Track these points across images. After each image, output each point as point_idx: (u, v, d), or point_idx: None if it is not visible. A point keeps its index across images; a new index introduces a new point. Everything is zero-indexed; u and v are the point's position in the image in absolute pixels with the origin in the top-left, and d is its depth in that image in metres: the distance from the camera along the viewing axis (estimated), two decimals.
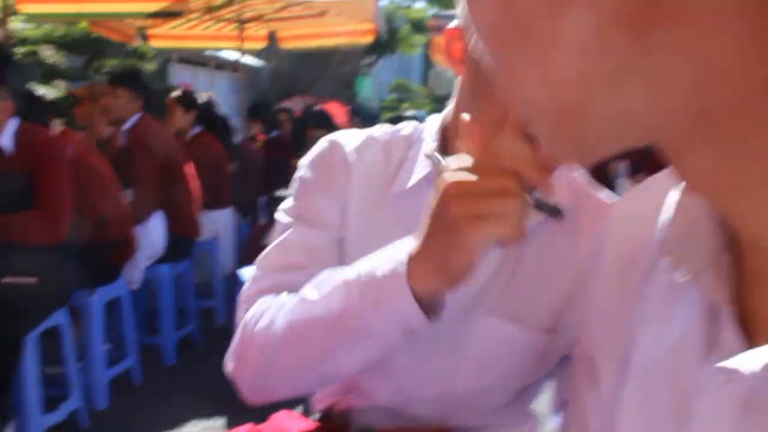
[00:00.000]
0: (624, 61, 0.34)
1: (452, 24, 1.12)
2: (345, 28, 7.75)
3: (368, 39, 7.81)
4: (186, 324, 4.54)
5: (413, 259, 0.90)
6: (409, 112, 8.06)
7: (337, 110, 8.41)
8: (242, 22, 6.87)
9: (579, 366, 0.64)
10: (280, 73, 17.90)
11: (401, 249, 0.93)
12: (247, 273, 3.90)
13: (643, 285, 0.55)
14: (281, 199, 4.34)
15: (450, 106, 1.18)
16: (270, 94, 16.42)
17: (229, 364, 1.10)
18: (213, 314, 4.96)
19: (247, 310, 1.10)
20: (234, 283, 4.51)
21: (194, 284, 4.65)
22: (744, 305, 0.43)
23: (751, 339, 0.42)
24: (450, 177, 0.85)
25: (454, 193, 0.84)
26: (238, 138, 5.61)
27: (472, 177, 0.84)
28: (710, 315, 0.45)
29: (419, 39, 26.05)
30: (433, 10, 26.32)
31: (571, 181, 1.15)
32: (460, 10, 1.04)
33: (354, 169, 1.17)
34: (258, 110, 7.11)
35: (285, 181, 4.90)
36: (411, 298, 0.90)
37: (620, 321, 0.57)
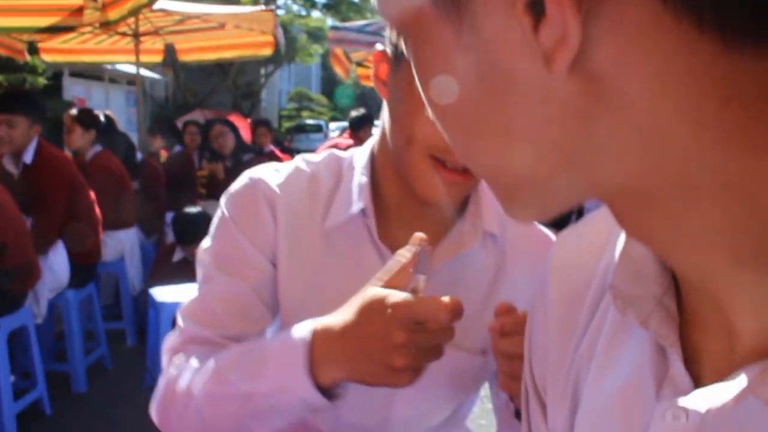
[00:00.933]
0: (573, 148, 0.39)
1: (379, 47, 1.12)
2: (244, 41, 7.70)
3: (267, 51, 7.78)
4: (95, 348, 4.41)
5: (325, 345, 0.89)
6: (310, 121, 8.06)
7: (239, 122, 8.32)
8: (138, 35, 6.73)
9: (531, 396, 0.66)
10: (178, 85, 17.56)
11: (306, 329, 0.92)
12: (159, 293, 3.83)
13: (589, 320, 0.57)
14: (188, 216, 4.24)
15: (377, 135, 1.16)
16: (167, 107, 16.10)
17: (154, 413, 1.09)
18: (123, 336, 4.84)
19: (169, 360, 1.08)
20: (144, 303, 4.42)
21: (101, 306, 4.53)
22: (690, 344, 0.46)
23: (698, 377, 0.45)
24: (397, 300, 0.85)
25: (399, 323, 0.84)
26: (138, 155, 5.48)
27: (417, 312, 0.85)
28: (658, 354, 0.48)
29: (317, 48, 26.07)
30: (330, 20, 26.37)
31: (498, 207, 1.17)
32: (389, 33, 1.07)
33: (279, 206, 1.12)
34: (161, 124, 6.98)
35: (191, 197, 4.81)
36: (312, 387, 0.89)
37: (565, 356, 0.59)
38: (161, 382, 1.07)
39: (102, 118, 4.94)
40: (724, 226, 0.38)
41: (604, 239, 0.58)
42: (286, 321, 1.10)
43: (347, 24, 8.17)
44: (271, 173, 1.16)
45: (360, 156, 1.17)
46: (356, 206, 1.10)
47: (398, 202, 1.13)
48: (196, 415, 1.00)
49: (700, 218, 0.38)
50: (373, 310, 0.86)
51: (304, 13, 27.67)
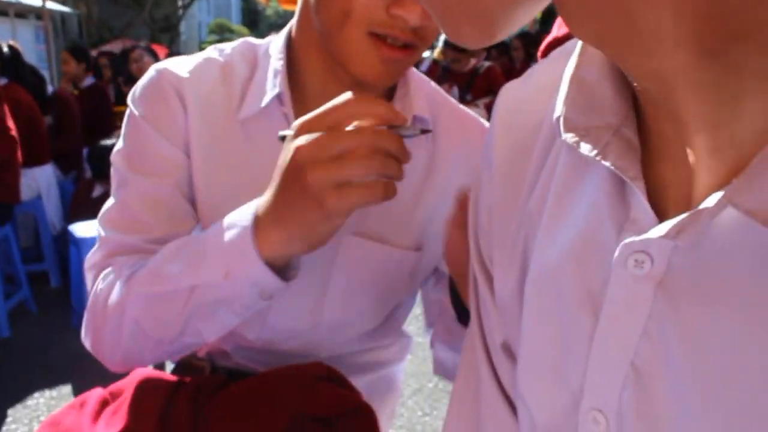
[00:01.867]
0: None
1: None
2: None
3: None
4: (16, 292, 4.22)
5: (264, 223, 0.83)
6: None
7: (160, 51, 7.99)
8: None
9: (478, 272, 0.59)
10: (91, 19, 16.84)
11: (246, 212, 0.86)
12: (79, 229, 3.68)
13: (538, 172, 0.50)
14: (105, 149, 4.08)
15: (294, 19, 1.06)
16: (82, 42, 15.46)
17: (85, 338, 1.00)
18: (46, 278, 4.65)
19: (95, 278, 1.00)
20: (65, 243, 4.23)
21: (20, 249, 4.31)
22: (652, 181, 0.39)
23: (662, 215, 0.38)
24: (301, 141, 0.78)
25: (308, 159, 0.76)
26: (49, 88, 5.18)
27: (325, 141, 0.76)
28: (617, 194, 0.41)
29: None
30: None
31: (428, 92, 1.09)
32: None
33: (188, 95, 1.02)
34: (81, 52, 6.48)
35: (108, 130, 4.62)
36: (262, 265, 0.84)
37: (512, 216, 0.53)
38: (89, 303, 0.99)
39: (5, 49, 4.62)
40: (685, 11, 0.30)
41: (552, 82, 0.51)
42: (204, 219, 1.03)
43: None
44: (177, 62, 1.06)
45: (276, 41, 1.07)
46: (271, 93, 1.01)
47: (321, 88, 1.03)
48: (134, 328, 0.92)
49: (661, 6, 0.31)
50: (286, 163, 0.79)
51: None
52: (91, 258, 1.02)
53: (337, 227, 0.81)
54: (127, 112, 1.04)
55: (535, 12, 0.40)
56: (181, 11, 23.86)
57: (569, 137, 0.42)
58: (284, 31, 1.07)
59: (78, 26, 18.04)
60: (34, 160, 4.42)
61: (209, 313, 0.89)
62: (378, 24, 0.90)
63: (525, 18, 0.40)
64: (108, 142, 4.55)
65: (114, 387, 1.03)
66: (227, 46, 1.09)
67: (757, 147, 0.31)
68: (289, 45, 1.05)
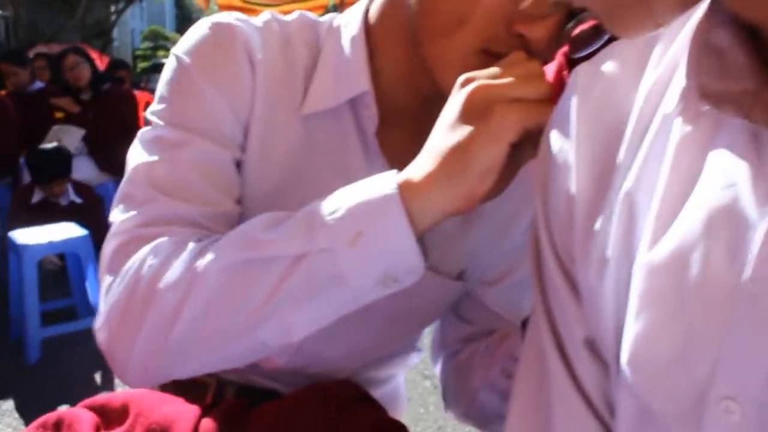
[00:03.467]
0: None
1: None
2: None
3: None
4: None
5: (409, 182, 0.70)
6: (166, 60, 7.70)
7: (92, 54, 7.78)
8: None
9: (553, 266, 0.55)
10: (20, 22, 16.36)
11: (383, 177, 0.72)
12: (20, 236, 3.54)
13: (635, 153, 0.47)
14: (45, 153, 3.93)
15: (376, 4, 0.90)
16: (8, 45, 14.99)
17: (103, 332, 0.77)
18: None
19: (125, 253, 0.77)
20: (3, 250, 4.07)
21: None
22: None
23: None
24: (476, 82, 0.71)
25: (483, 86, 0.70)
26: None
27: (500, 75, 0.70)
28: (758, 162, 0.38)
29: None
30: None
31: None
32: None
33: (260, 66, 0.85)
34: (20, 57, 6.19)
35: (44, 135, 4.44)
36: (407, 226, 0.68)
37: (604, 202, 0.49)
38: (116, 287, 0.76)
39: None
40: None
41: (637, 62, 0.49)
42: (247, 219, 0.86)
43: None
44: (243, 20, 0.88)
45: (349, 25, 0.91)
46: (346, 92, 0.86)
47: (402, 92, 0.90)
48: (199, 313, 0.71)
49: None
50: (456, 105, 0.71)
51: None
52: (123, 222, 0.79)
53: (496, 166, 0.68)
54: (172, 64, 0.86)
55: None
56: (113, 17, 23.41)
57: (710, 101, 0.40)
58: (358, 15, 0.91)
59: (5, 30, 17.51)
60: None
61: (311, 295, 0.71)
62: (495, 41, 0.78)
63: (688, 5, 0.38)
64: (47, 146, 4.41)
65: (98, 407, 0.85)
66: (285, 18, 0.92)
67: None
68: (367, 31, 0.90)
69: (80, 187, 4.58)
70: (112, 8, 23.10)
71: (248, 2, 8.13)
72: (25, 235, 3.57)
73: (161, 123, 0.83)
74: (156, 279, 0.73)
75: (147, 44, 32.70)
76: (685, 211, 0.42)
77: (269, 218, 0.75)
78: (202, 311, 0.71)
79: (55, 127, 5.05)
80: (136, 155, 0.83)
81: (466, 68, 0.78)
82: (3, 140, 4.89)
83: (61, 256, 4.18)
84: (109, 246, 0.79)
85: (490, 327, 1.01)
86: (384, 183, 0.70)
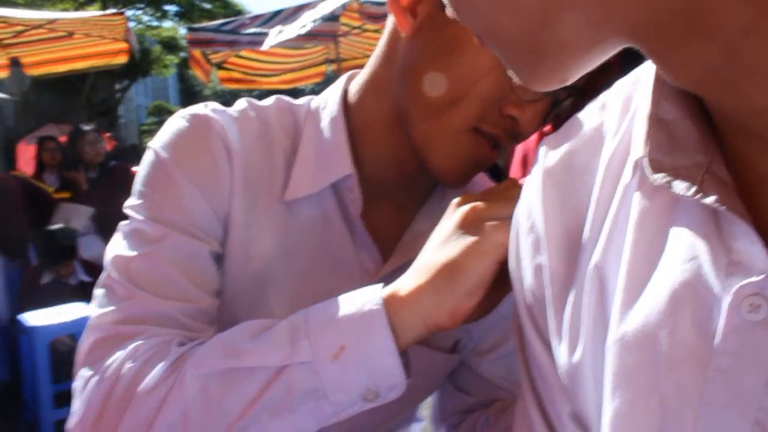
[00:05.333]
0: None
1: None
2: (96, 50, 7.32)
3: (121, 59, 7.42)
4: None
5: (395, 298, 0.70)
6: None
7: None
8: None
9: (534, 341, 0.55)
10: (28, 104, 16.64)
11: (369, 291, 0.72)
12: (30, 318, 3.54)
13: (600, 227, 0.47)
14: (49, 235, 3.94)
15: (356, 84, 0.92)
16: (17, 129, 15.22)
17: (75, 428, 0.75)
18: None
19: (102, 349, 0.76)
20: (14, 333, 4.07)
21: None
22: (754, 216, 0.37)
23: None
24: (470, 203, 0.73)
25: (476, 207, 0.72)
26: None
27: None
28: (716, 236, 0.38)
29: (172, 59, 25.42)
30: (182, 29, 25.84)
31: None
32: None
33: (236, 157, 0.85)
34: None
35: (49, 216, 4.45)
36: (391, 342, 0.68)
37: (572, 277, 0.49)
38: (100, 381, 0.74)
39: None
40: None
41: (595, 131, 0.50)
42: (225, 316, 0.86)
43: (204, 24, 7.87)
44: (219, 111, 0.88)
45: (327, 107, 0.92)
46: (333, 174, 0.87)
47: (385, 170, 0.91)
48: (176, 419, 0.69)
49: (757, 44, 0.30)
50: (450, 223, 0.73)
51: (155, 23, 26.91)
52: (101, 316, 0.78)
53: (483, 280, 0.69)
54: (149, 158, 0.85)
55: (608, 55, 0.39)
56: (118, 95, 23.79)
57: (659, 178, 0.39)
58: (336, 96, 0.92)
59: (14, 112, 17.79)
60: None
61: (290, 408, 0.69)
62: (487, 121, 0.80)
63: (596, 62, 0.39)
64: (52, 227, 4.44)
65: None
66: (261, 104, 0.93)
67: None
68: (346, 115, 0.90)
69: (89, 266, 4.61)
70: (117, 86, 23.50)
71: (248, 74, 8.31)
72: (35, 317, 3.58)
73: (139, 217, 0.83)
74: (134, 383, 0.72)
75: (152, 119, 33.14)
76: (649, 287, 0.42)
77: (252, 326, 0.74)
78: (178, 419, 0.69)
79: (64, 206, 5.10)
80: (116, 247, 0.83)
81: (456, 146, 0.81)
82: (11, 223, 4.92)
83: (73, 337, 4.18)
84: (86, 341, 0.78)
85: (489, 397, 1.01)
86: (369, 297, 0.71)
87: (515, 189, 0.73)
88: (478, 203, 0.72)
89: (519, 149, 2.37)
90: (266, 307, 0.86)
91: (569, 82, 0.40)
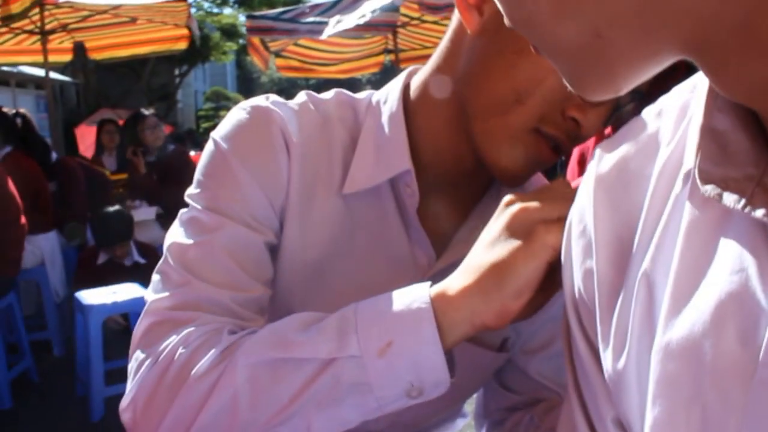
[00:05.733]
0: None
1: None
2: (158, 35, 7.46)
3: (182, 45, 7.55)
4: (19, 361, 4.14)
5: (443, 297, 0.71)
6: None
7: None
8: (45, 33, 6.39)
9: (582, 346, 0.55)
10: (89, 88, 17.02)
11: (417, 289, 0.73)
12: (86, 297, 3.62)
13: (651, 235, 0.47)
14: (108, 216, 4.03)
15: (417, 80, 0.92)
16: (79, 111, 15.57)
17: (128, 413, 0.77)
18: (48, 347, 4.56)
19: (157, 333, 0.78)
20: (70, 311, 4.18)
21: (23, 317, 4.25)
22: None
23: None
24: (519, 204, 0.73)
25: (525, 207, 0.72)
26: (53, 155, 5.19)
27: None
28: (765, 248, 0.38)
29: (231, 45, 25.73)
30: (242, 16, 26.09)
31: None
32: None
33: (295, 150, 0.86)
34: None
35: (107, 199, 4.55)
36: (437, 340, 0.69)
37: (621, 283, 0.49)
38: (146, 366, 0.76)
39: (18, 119, 4.64)
40: None
41: (651, 139, 0.50)
42: (279, 306, 0.88)
43: (264, 12, 7.94)
44: (279, 104, 0.90)
45: (388, 102, 0.92)
46: (391, 169, 0.87)
47: (442, 166, 0.91)
48: (225, 405, 0.71)
49: None
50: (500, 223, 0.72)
51: (215, 10, 27.26)
52: (157, 301, 0.81)
53: (531, 281, 0.69)
54: (210, 148, 0.88)
55: (663, 66, 0.39)
56: (177, 80, 24.18)
57: (709, 189, 0.39)
58: (396, 91, 0.92)
59: (76, 95, 18.22)
60: (38, 227, 4.39)
61: (336, 399, 0.70)
62: (549, 122, 0.80)
63: (651, 73, 0.39)
64: (109, 210, 4.54)
65: None
66: (321, 98, 0.94)
67: None
68: (406, 107, 0.91)
69: (144, 248, 4.71)
70: (176, 71, 23.88)
71: (306, 63, 8.37)
72: (90, 296, 3.66)
73: (198, 206, 0.85)
74: (187, 368, 0.73)
75: (209, 105, 33.59)
76: (696, 296, 0.41)
77: (302, 318, 0.75)
78: (227, 405, 0.71)
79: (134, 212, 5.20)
80: (174, 235, 0.86)
81: (516, 146, 0.81)
82: (72, 204, 5.04)
83: (125, 316, 4.27)
84: (141, 324, 0.81)
85: (534, 396, 1.00)
86: (418, 295, 0.71)
87: (566, 189, 0.72)
88: (529, 203, 0.71)
89: (576, 148, 2.36)
90: (320, 298, 0.87)
91: (623, 93, 0.40)
